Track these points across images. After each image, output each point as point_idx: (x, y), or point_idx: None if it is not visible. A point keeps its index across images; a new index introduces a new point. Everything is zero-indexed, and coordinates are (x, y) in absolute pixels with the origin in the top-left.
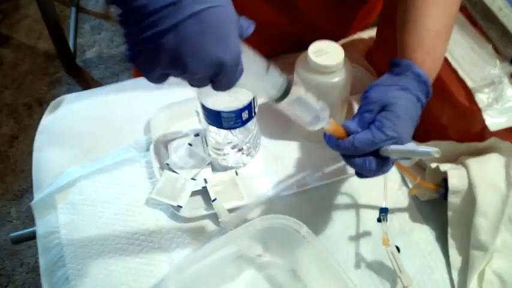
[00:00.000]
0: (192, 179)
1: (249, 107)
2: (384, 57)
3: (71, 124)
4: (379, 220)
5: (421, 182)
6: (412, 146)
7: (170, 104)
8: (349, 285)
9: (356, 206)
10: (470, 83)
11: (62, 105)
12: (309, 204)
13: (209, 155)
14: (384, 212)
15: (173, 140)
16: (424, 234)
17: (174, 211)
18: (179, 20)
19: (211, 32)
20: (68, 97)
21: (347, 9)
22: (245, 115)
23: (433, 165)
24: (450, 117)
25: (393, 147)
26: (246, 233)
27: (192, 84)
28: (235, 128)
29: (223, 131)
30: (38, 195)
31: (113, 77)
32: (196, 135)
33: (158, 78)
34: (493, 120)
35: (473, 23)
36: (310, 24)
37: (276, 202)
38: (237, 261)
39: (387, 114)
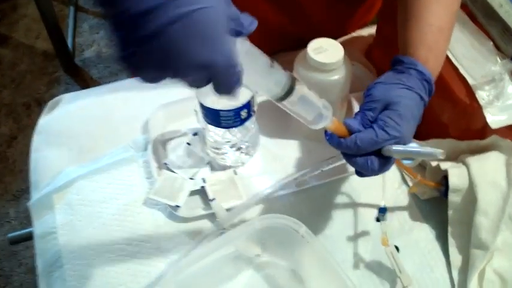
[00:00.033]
0: (191, 178)
1: (248, 106)
2: (383, 55)
3: (69, 124)
4: (378, 220)
5: (422, 179)
6: (415, 146)
7: (168, 103)
8: (349, 285)
9: (356, 205)
10: (470, 80)
11: (59, 105)
12: (308, 203)
13: (208, 154)
14: (382, 211)
15: (171, 139)
16: (424, 233)
17: (172, 211)
18: (163, 24)
19: (197, 34)
20: (66, 97)
21: (347, 7)
22: (244, 114)
23: (434, 163)
24: (450, 115)
25: (397, 147)
26: (244, 233)
27: (190, 86)
28: (234, 127)
29: (221, 130)
30: (35, 196)
31: (112, 77)
32: (195, 134)
33: (151, 80)
34: (494, 118)
35: (474, 19)
36: (310, 22)
37: (275, 201)
38: (235, 262)
39: (390, 114)
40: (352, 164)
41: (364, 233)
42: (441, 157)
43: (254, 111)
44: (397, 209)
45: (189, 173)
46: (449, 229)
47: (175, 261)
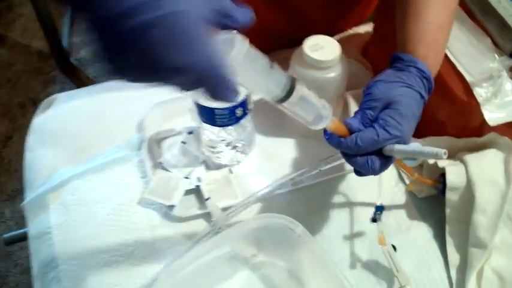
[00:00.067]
0: (186, 177)
1: (243, 104)
2: (380, 52)
3: (63, 123)
4: (374, 220)
5: (419, 177)
6: (417, 146)
7: (163, 102)
8: (346, 285)
9: (352, 204)
10: (468, 77)
11: (54, 104)
12: (304, 202)
13: (203, 153)
14: (379, 210)
15: (166, 138)
16: (422, 231)
17: (167, 211)
18: (136, 28)
19: (170, 39)
20: (60, 96)
21: (343, 6)
22: (239, 112)
23: (431, 161)
24: (448, 112)
25: (398, 147)
26: (240, 233)
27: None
28: (229, 125)
29: (216, 129)
30: (30, 196)
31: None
32: (190, 133)
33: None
34: (492, 115)
35: (471, 16)
36: (306, 21)
37: (271, 200)
38: (231, 262)
39: (391, 113)
40: (352, 164)
41: (361, 232)
42: (444, 157)
43: (250, 109)
44: (394, 208)
45: (184, 172)
46: (447, 228)
47: (171, 261)
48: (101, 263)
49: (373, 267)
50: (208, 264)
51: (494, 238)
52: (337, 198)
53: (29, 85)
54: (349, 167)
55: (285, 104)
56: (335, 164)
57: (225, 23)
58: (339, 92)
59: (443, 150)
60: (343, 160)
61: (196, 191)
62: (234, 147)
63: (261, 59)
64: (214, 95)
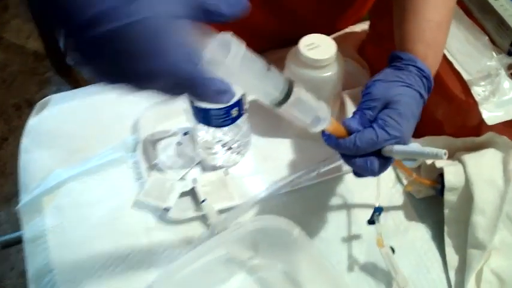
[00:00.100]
0: (181, 179)
1: (239, 104)
2: (377, 51)
3: (58, 124)
4: (372, 222)
5: (417, 177)
6: (417, 146)
7: (158, 103)
8: None
9: (350, 205)
10: (466, 76)
11: (48, 105)
12: (302, 203)
13: (198, 154)
14: (377, 211)
15: (161, 139)
16: (420, 232)
17: (163, 213)
18: (102, 36)
19: (136, 45)
20: (55, 97)
21: (338, 9)
22: (234, 112)
23: (429, 161)
24: (446, 111)
25: (398, 147)
26: (236, 235)
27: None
28: (225, 125)
29: (212, 129)
30: (25, 198)
31: None
32: (185, 134)
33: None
34: (490, 114)
35: (469, 14)
36: (300, 21)
37: (267, 202)
38: (227, 264)
39: (390, 113)
40: (351, 165)
41: (359, 234)
42: (445, 157)
43: (245, 110)
44: (392, 209)
45: (179, 174)
46: (446, 228)
47: (167, 264)
48: (96, 266)
49: (371, 270)
50: (204, 268)
51: (493, 239)
52: (335, 199)
53: (24, 86)
54: (346, 167)
55: (283, 107)
56: (332, 165)
57: (208, 17)
58: (335, 91)
59: (444, 151)
60: (341, 161)
61: (192, 193)
62: (230, 148)
63: (257, 62)
64: (199, 97)
